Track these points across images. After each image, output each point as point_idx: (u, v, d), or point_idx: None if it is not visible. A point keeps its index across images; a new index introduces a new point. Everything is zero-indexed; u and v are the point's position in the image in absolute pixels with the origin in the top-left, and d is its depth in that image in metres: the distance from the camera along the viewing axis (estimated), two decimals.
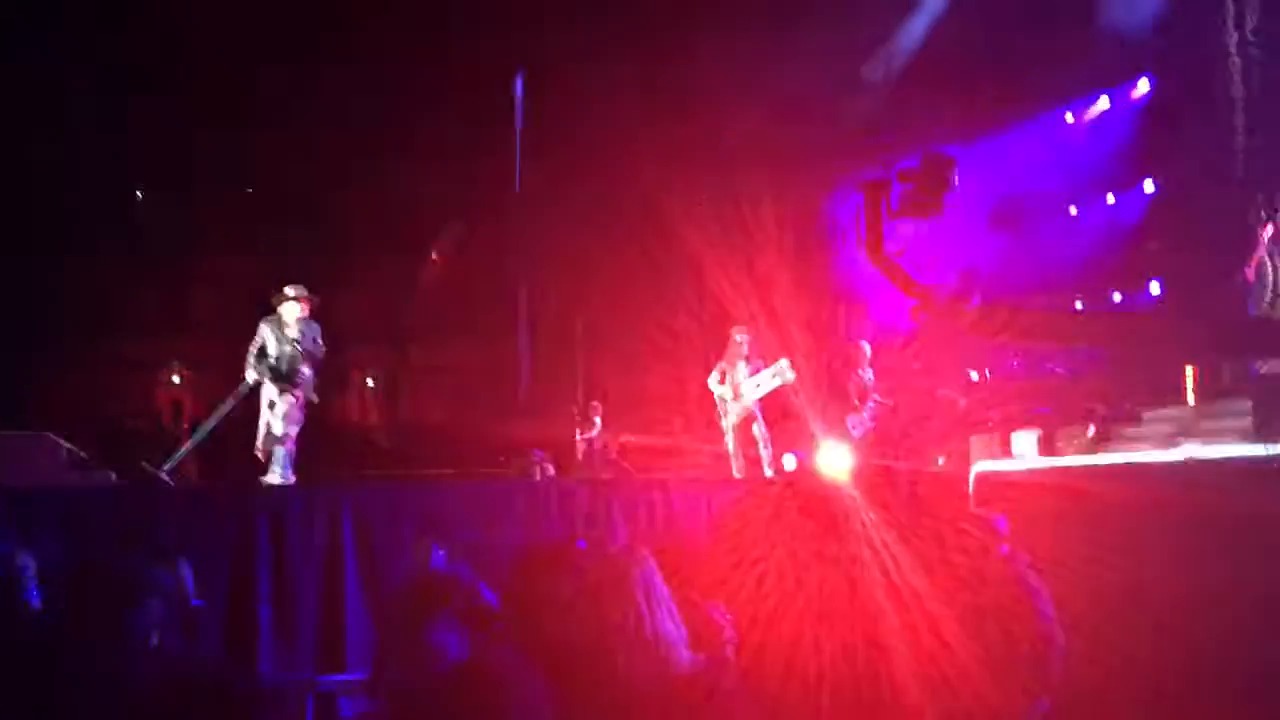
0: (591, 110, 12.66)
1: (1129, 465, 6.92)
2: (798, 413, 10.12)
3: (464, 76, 13.22)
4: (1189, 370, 11.21)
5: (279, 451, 8.58)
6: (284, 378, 8.69)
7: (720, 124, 12.80)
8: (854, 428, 10.38)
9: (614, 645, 3.07)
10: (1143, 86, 13.29)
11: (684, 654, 3.17)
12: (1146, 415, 10.27)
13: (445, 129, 13.53)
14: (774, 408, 10.12)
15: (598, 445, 12.19)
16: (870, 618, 5.90)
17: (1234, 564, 4.38)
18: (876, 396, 10.44)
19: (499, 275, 14.63)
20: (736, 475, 9.55)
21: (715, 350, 10.66)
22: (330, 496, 7.35)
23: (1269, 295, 10.96)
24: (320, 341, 8.90)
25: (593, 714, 2.91)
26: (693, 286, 14.09)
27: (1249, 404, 9.09)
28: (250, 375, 8.70)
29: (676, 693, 3.04)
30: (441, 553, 5.82)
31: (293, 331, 8.76)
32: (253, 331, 8.83)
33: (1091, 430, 10.11)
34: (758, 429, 9.77)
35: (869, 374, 10.66)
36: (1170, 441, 8.97)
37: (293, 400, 8.68)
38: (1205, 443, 8.66)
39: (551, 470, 11.29)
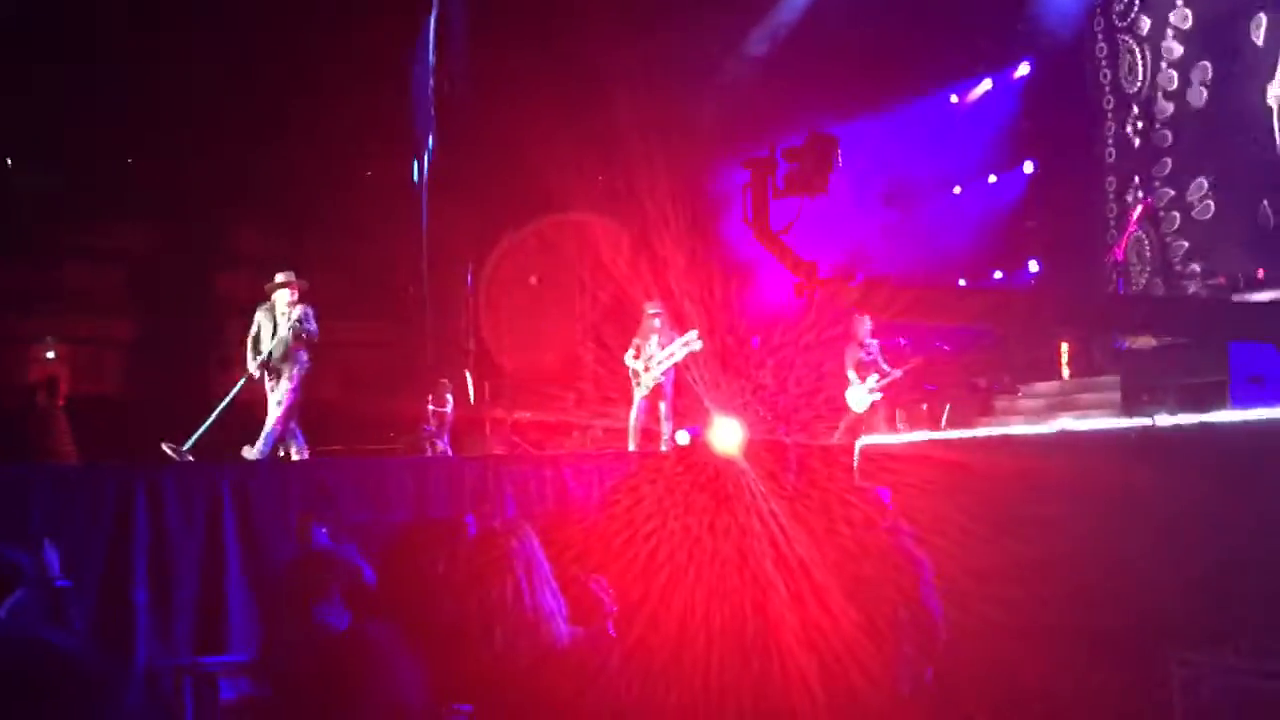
0: (484, 91, 12.55)
1: (1005, 437, 7.14)
2: (692, 388, 10.23)
3: (358, 51, 12.91)
4: (1064, 347, 11.63)
5: (265, 430, 8.85)
6: (277, 365, 8.99)
7: (611, 100, 12.76)
8: (868, 393, 10.36)
9: (493, 620, 3.05)
10: (1023, 69, 13.67)
11: (563, 628, 3.17)
12: (1024, 390, 10.65)
13: (340, 103, 13.20)
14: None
15: (449, 420, 12.02)
16: (760, 589, 5.97)
17: (1102, 530, 4.56)
18: (886, 367, 10.47)
19: (393, 254, 14.37)
20: (631, 449, 9.64)
21: (609, 326, 10.69)
22: (210, 474, 7.15)
23: (1144, 273, 11.43)
24: (313, 324, 9.09)
25: (472, 688, 2.89)
26: (588, 264, 14.07)
27: (1118, 379, 9.48)
28: (250, 367, 9.03)
29: (555, 666, 3.04)
30: (326, 531, 5.71)
31: (285, 317, 8.98)
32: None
33: (947, 410, 10.46)
34: (664, 405, 9.91)
35: (874, 345, 10.70)
36: (1046, 415, 9.30)
37: (288, 385, 8.94)
38: (1078, 416, 9.00)
39: (443, 446, 11.18)
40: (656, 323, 10.12)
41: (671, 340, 9.99)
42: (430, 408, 11.85)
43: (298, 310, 9.04)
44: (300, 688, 3.41)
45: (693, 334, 9.90)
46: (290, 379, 8.95)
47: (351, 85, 12.97)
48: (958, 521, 5.34)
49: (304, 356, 9.06)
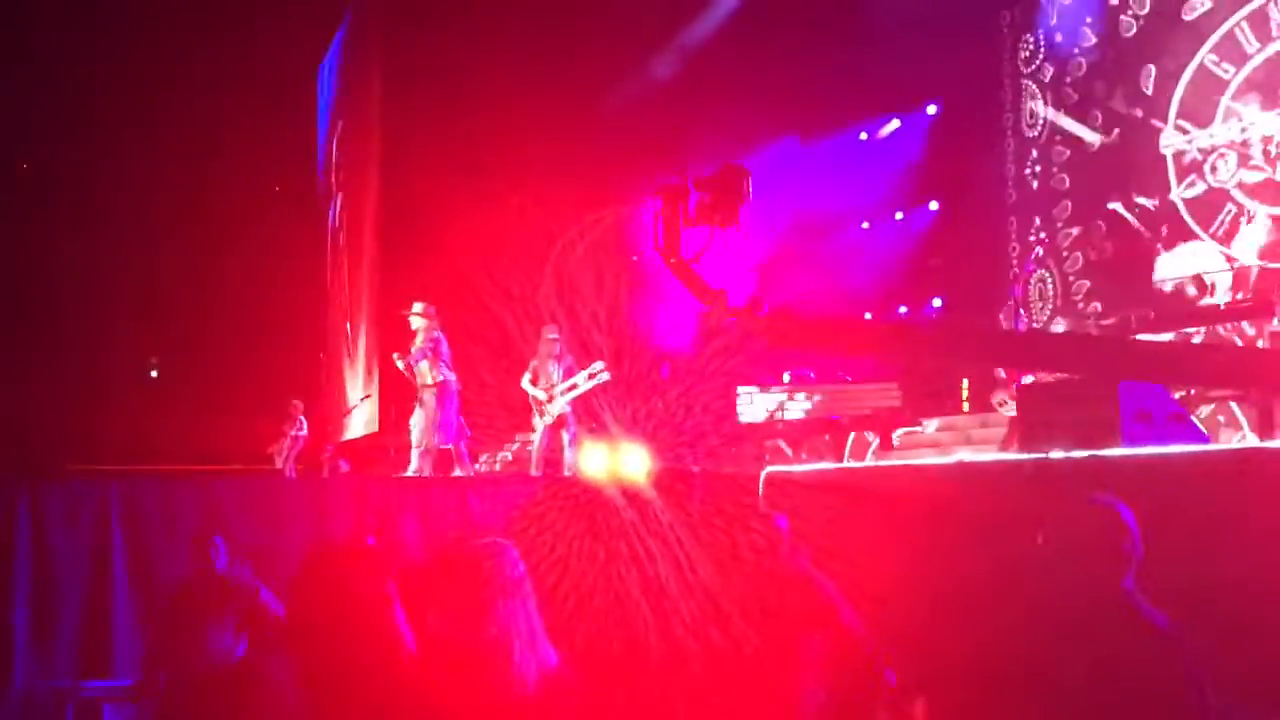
0: (398, 123, 12.51)
1: (905, 468, 7.28)
2: (599, 415, 10.15)
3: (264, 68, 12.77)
4: (965, 382, 11.91)
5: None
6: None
7: (523, 124, 12.79)
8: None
9: (427, 653, 2.95)
10: (931, 110, 14.05)
11: (533, 664, 3.05)
12: (926, 422, 10.87)
13: (243, 124, 13.00)
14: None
15: (302, 445, 11.82)
16: (665, 616, 5.97)
17: (995, 557, 4.67)
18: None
19: (297, 281, 14.15)
20: (534, 473, 9.55)
21: (513, 350, 10.60)
22: (98, 491, 6.87)
23: (1046, 311, 11.79)
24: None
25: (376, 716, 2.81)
26: (492, 287, 13.98)
27: (1014, 412, 9.72)
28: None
29: (466, 694, 2.96)
30: (221, 552, 5.54)
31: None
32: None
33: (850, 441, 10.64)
34: (566, 433, 9.74)
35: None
36: (946, 447, 9.51)
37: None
38: (977, 449, 9.22)
39: (345, 467, 10.99)
40: (556, 348, 9.96)
41: (571, 366, 9.85)
42: (290, 430, 11.66)
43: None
44: (191, 718, 3.29)
45: (599, 365, 9.77)
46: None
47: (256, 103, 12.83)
48: (858, 547, 5.42)
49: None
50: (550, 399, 9.77)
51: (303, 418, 11.97)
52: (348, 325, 14.67)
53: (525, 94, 12.34)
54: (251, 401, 13.20)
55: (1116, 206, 11.96)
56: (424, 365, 9.75)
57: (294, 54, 13.03)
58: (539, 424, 9.85)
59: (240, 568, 5.42)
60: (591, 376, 9.68)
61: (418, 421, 9.74)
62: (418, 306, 10.06)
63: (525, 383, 10.03)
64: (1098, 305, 11.78)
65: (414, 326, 9.85)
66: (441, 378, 9.71)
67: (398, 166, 13.19)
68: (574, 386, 9.73)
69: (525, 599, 2.98)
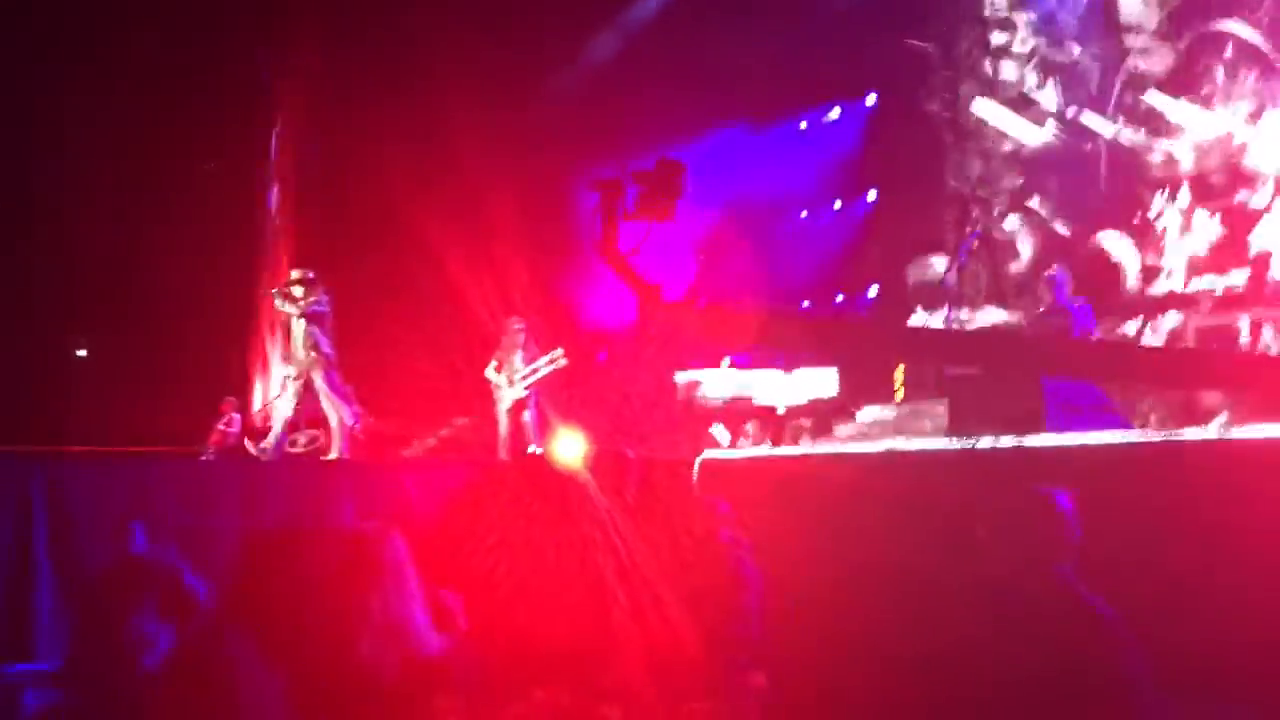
0: (333, 107, 12.36)
1: (838, 455, 7.40)
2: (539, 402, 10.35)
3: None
4: (899, 372, 12.08)
5: None
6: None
7: (462, 118, 12.73)
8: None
9: (358, 630, 2.93)
10: (870, 100, 14.18)
11: (431, 639, 3.07)
12: (861, 411, 11.00)
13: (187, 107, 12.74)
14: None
15: (232, 440, 11.68)
16: (601, 601, 5.99)
17: (928, 544, 4.76)
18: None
19: (233, 262, 13.90)
20: (502, 457, 9.73)
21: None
22: (20, 470, 6.70)
23: (979, 300, 11.99)
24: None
25: (330, 705, 2.78)
26: (433, 279, 13.89)
27: (947, 403, 9.90)
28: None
29: (417, 680, 2.95)
30: (139, 536, 5.43)
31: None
32: None
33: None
34: (527, 414, 10.03)
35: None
36: (878, 435, 9.65)
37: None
38: (909, 436, 9.36)
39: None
40: (520, 338, 10.24)
41: (534, 355, 10.13)
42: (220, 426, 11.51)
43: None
44: (120, 708, 3.23)
45: (559, 351, 10.09)
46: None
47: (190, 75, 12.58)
48: (791, 531, 5.49)
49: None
50: (511, 383, 10.06)
51: (235, 414, 11.83)
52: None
53: (459, 78, 12.26)
54: (183, 384, 12.97)
55: (1045, 199, 12.21)
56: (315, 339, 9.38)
57: (231, 30, 12.74)
58: (500, 411, 10.10)
59: (164, 551, 5.31)
60: (551, 361, 10.01)
61: (323, 400, 9.55)
62: (296, 274, 9.70)
63: (489, 371, 10.27)
64: (1027, 298, 12.01)
65: (297, 296, 9.42)
66: (330, 352, 9.52)
67: (322, 148, 13.02)
68: (535, 371, 10.03)
69: (396, 587, 2.97)
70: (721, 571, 5.38)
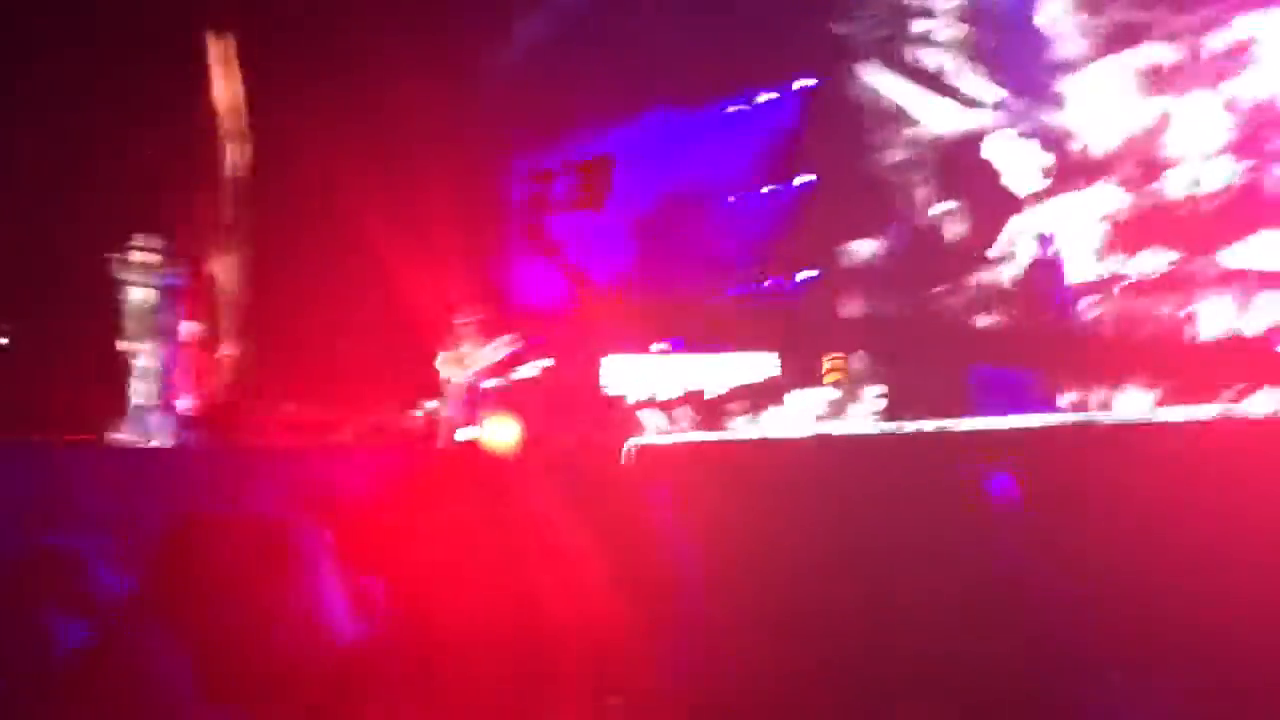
0: (267, 97, 12.13)
1: (769, 440, 7.45)
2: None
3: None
4: (829, 357, 12.18)
5: None
6: None
7: (395, 106, 12.55)
8: None
9: (273, 621, 2.88)
10: (800, 84, 14.20)
11: (349, 628, 3.03)
12: (792, 396, 11.08)
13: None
14: None
15: None
16: (533, 585, 5.96)
17: (856, 522, 4.82)
18: None
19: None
20: (439, 445, 9.75)
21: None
22: None
23: (905, 284, 12.13)
24: None
25: (248, 695, 2.72)
26: (368, 265, 13.69)
27: (879, 389, 10.03)
28: None
29: (338, 668, 2.91)
30: (57, 525, 5.27)
31: None
32: None
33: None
34: (465, 402, 10.23)
35: None
36: (810, 419, 9.74)
37: None
38: (840, 420, 9.46)
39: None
40: (470, 330, 10.51)
41: (483, 344, 10.41)
42: None
43: None
44: (16, 699, 3.13)
45: (507, 338, 10.41)
46: None
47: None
48: (725, 514, 5.51)
49: None
50: (461, 369, 10.31)
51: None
52: None
53: (387, 61, 12.07)
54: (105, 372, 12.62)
55: (969, 184, 12.38)
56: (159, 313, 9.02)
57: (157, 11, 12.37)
58: (447, 400, 10.27)
59: (76, 542, 5.17)
60: (496, 349, 10.34)
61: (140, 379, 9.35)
62: (142, 239, 9.28)
63: (439, 361, 10.43)
64: (949, 283, 12.17)
65: (145, 264, 9.03)
66: (184, 329, 9.20)
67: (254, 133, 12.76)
68: (482, 358, 10.29)
69: (315, 576, 2.93)
70: (654, 555, 5.37)
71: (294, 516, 3.13)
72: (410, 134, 12.46)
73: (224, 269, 13.87)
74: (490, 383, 10.58)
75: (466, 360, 10.29)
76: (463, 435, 10.62)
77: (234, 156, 13.13)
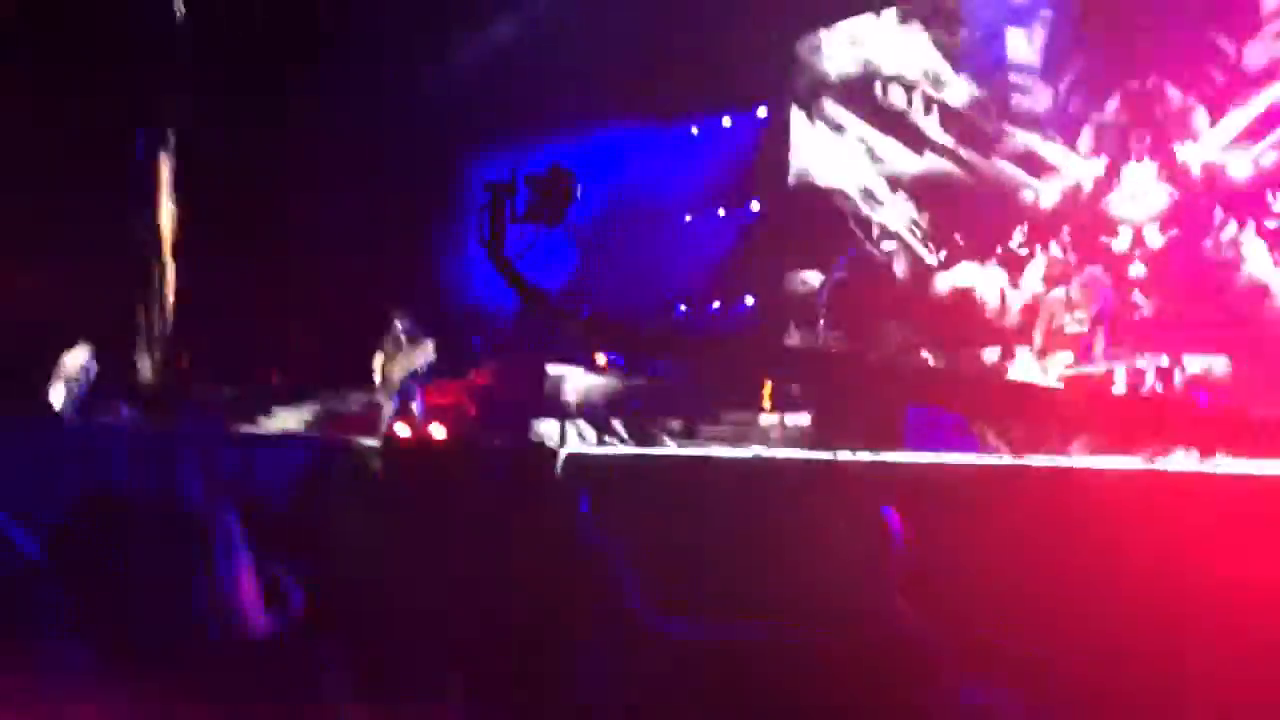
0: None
1: (700, 458, 7.52)
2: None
3: None
4: (768, 383, 12.28)
5: None
6: None
7: (348, 100, 12.52)
8: None
9: (178, 609, 2.85)
10: (761, 112, 14.36)
11: (261, 619, 3.00)
12: (727, 418, 11.17)
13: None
14: None
15: None
16: (457, 587, 5.92)
17: (771, 545, 4.88)
18: None
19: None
20: (369, 441, 9.72)
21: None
22: None
23: (850, 318, 12.26)
24: None
25: (149, 680, 2.68)
26: (312, 256, 13.59)
27: (811, 415, 10.15)
28: None
29: (253, 656, 2.88)
30: None
31: None
32: None
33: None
34: (411, 404, 10.22)
35: None
36: (742, 442, 9.81)
37: None
38: (772, 446, 9.55)
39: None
40: (401, 333, 10.46)
41: (418, 346, 10.37)
42: None
43: None
44: None
45: (430, 344, 10.39)
46: None
47: None
48: (650, 532, 5.53)
49: None
50: (393, 371, 10.33)
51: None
52: None
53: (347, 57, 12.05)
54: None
55: (919, 224, 12.58)
56: None
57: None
58: (385, 395, 10.34)
59: None
60: (436, 350, 10.31)
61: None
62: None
63: (376, 363, 10.45)
64: (892, 319, 12.34)
65: None
66: None
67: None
68: (415, 360, 10.29)
69: (225, 565, 2.91)
70: (578, 566, 5.38)
71: (206, 501, 3.09)
72: (365, 131, 12.45)
73: (161, 250, 13.70)
74: (428, 381, 10.52)
75: (405, 357, 10.24)
76: (398, 430, 10.56)
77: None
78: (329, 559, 5.93)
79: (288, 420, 10.99)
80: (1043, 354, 10.32)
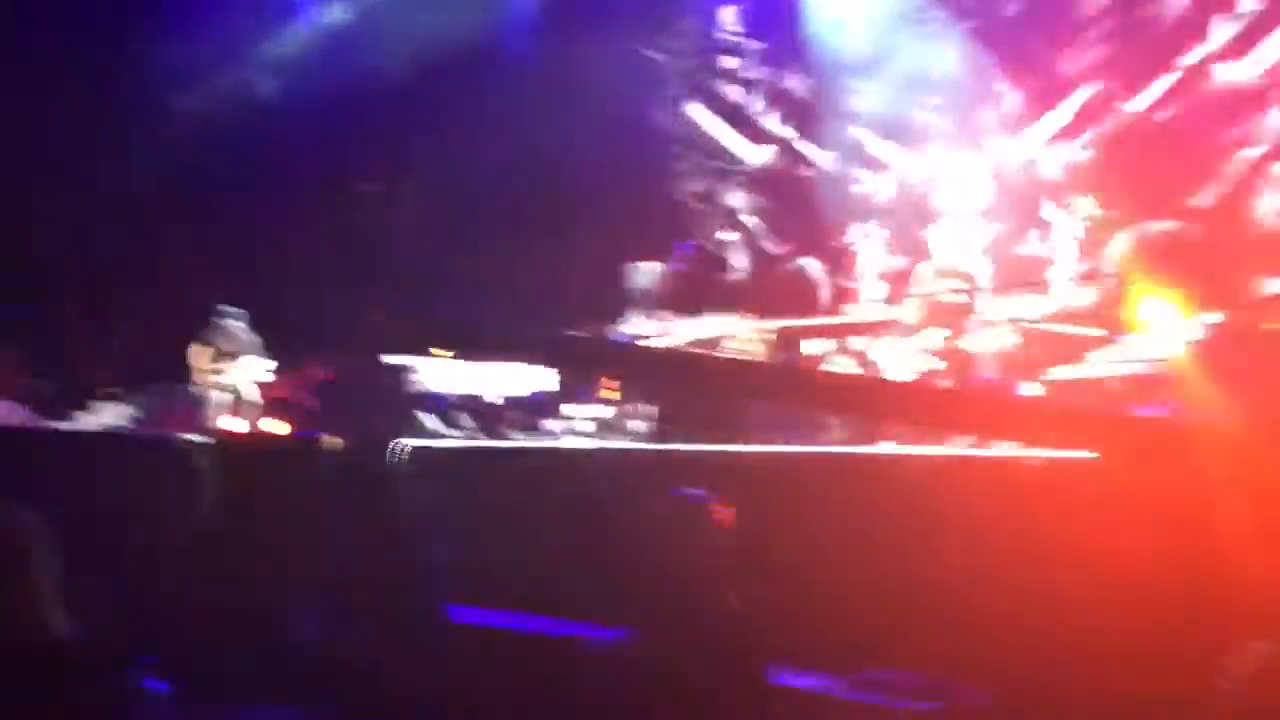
0: None
1: (540, 449, 7.59)
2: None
3: None
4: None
5: None
6: None
7: None
8: None
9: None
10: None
11: (64, 627, 2.88)
12: (568, 410, 11.17)
13: None
14: None
15: None
16: (281, 584, 5.84)
17: (610, 534, 4.95)
18: None
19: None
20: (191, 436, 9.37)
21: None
22: None
23: (687, 310, 12.41)
24: None
25: None
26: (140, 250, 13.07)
27: (655, 409, 10.29)
28: None
29: (56, 666, 2.75)
30: None
31: None
32: None
33: None
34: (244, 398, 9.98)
35: None
36: (585, 431, 9.93)
37: None
38: (615, 435, 9.66)
39: None
40: (226, 325, 10.22)
41: (244, 336, 10.19)
42: None
43: None
44: None
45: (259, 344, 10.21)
46: None
47: None
48: (486, 523, 5.54)
49: None
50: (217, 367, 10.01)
51: None
52: None
53: None
54: None
55: (759, 217, 12.82)
56: None
57: None
58: (213, 390, 9.98)
59: None
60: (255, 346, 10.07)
61: None
62: None
63: (197, 356, 10.06)
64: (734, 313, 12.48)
65: None
66: None
67: None
68: (252, 350, 10.08)
69: (24, 570, 2.80)
70: (412, 559, 5.34)
71: (5, 504, 2.95)
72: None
73: None
74: (263, 377, 10.22)
75: (231, 347, 9.91)
76: (229, 425, 10.24)
77: None
78: (149, 560, 5.72)
79: (107, 416, 10.51)
80: (876, 343, 10.64)
